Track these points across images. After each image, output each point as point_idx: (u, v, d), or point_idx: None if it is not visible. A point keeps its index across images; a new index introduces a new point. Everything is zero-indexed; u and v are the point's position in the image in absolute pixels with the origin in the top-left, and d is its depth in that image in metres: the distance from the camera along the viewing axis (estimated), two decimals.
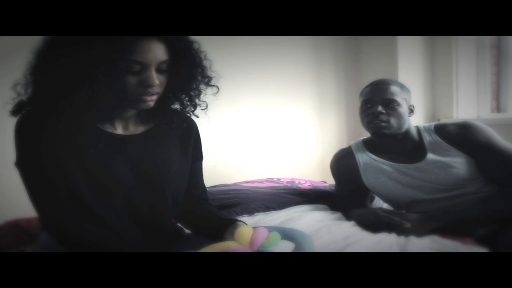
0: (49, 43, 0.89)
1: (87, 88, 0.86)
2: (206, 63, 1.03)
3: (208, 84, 1.04)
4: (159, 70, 0.93)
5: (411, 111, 1.47)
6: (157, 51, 0.91)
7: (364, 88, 1.50)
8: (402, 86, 1.47)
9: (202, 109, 1.09)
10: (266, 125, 2.43)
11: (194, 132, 1.14)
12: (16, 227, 1.45)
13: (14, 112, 0.93)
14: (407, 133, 1.44)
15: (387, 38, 2.44)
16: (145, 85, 0.91)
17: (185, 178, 1.11)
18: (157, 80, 0.92)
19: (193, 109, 1.08)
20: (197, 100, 1.07)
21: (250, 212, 1.56)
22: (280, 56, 2.44)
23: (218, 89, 1.07)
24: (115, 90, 0.88)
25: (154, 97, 0.95)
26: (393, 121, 1.40)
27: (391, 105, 1.40)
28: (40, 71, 0.89)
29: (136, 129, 1.04)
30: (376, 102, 1.42)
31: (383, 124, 1.40)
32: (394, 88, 1.42)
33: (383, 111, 1.40)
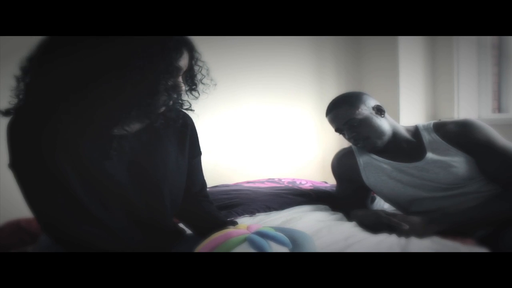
0: (48, 45, 0.89)
1: (95, 89, 0.86)
2: (200, 75, 1.03)
3: (194, 90, 1.05)
4: None
5: (379, 111, 1.45)
6: (186, 59, 0.94)
7: (326, 117, 1.51)
8: (348, 101, 1.43)
9: (185, 108, 1.09)
10: (267, 125, 2.43)
11: (190, 128, 1.13)
12: (18, 227, 1.45)
13: (5, 113, 0.92)
14: (395, 133, 1.44)
15: (388, 38, 2.45)
16: (177, 91, 0.94)
17: (183, 175, 1.10)
18: (183, 87, 0.95)
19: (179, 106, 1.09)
20: (179, 101, 1.07)
21: (251, 212, 1.56)
22: (281, 56, 2.44)
23: (199, 95, 1.06)
24: (150, 95, 0.89)
25: None
26: (372, 135, 1.41)
27: (355, 124, 1.41)
28: (39, 72, 0.88)
29: (131, 127, 1.03)
30: (343, 129, 1.45)
31: (367, 142, 1.42)
32: (342, 111, 1.42)
33: (354, 133, 1.41)
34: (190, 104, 1.08)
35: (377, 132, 1.40)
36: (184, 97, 1.06)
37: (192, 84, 1.03)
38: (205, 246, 0.86)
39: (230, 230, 0.88)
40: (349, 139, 1.46)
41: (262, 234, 0.86)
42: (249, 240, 0.83)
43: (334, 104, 1.47)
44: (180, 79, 0.95)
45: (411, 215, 1.32)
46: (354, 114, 1.40)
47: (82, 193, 0.92)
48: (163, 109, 0.96)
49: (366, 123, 1.40)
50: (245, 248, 0.83)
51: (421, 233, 1.22)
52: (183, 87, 0.95)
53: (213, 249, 0.84)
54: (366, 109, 1.42)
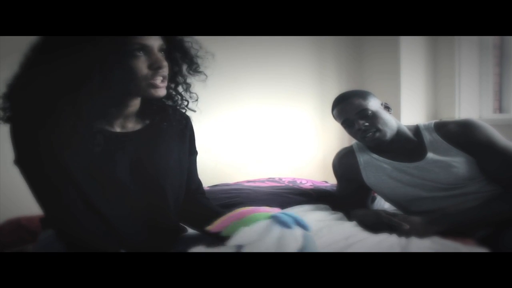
0: (43, 43, 0.89)
1: (88, 85, 0.86)
2: (193, 50, 1.03)
3: (196, 71, 1.04)
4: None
5: (387, 108, 1.46)
6: (155, 37, 0.93)
7: (332, 112, 1.50)
8: (359, 94, 1.45)
9: (193, 101, 1.09)
10: (268, 125, 2.43)
11: (189, 127, 1.14)
12: (18, 225, 1.45)
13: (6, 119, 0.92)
14: (399, 131, 1.43)
15: (390, 39, 2.44)
16: (155, 67, 0.92)
17: (184, 172, 1.11)
18: (164, 61, 0.93)
19: (186, 103, 1.09)
20: (188, 94, 1.07)
21: None
22: (282, 56, 2.44)
23: (206, 76, 1.06)
24: (126, 77, 0.89)
25: (165, 83, 0.96)
26: (381, 126, 1.39)
27: (367, 114, 1.40)
28: (36, 71, 0.88)
29: (134, 126, 1.03)
30: (353, 119, 1.42)
31: (377, 134, 1.39)
32: (356, 100, 1.42)
33: (366, 123, 1.39)
34: (197, 97, 1.08)
35: (388, 125, 1.40)
36: (191, 89, 1.07)
37: (190, 63, 1.03)
38: (227, 218, 0.86)
39: (256, 207, 0.89)
40: (357, 131, 1.42)
41: (286, 214, 0.86)
42: (274, 217, 0.84)
43: (344, 97, 1.47)
44: (157, 54, 0.93)
45: (412, 215, 1.32)
46: (367, 105, 1.40)
47: (86, 189, 0.93)
48: (160, 92, 0.96)
49: (377, 115, 1.40)
50: (268, 224, 0.82)
51: (421, 233, 1.22)
52: (163, 62, 0.93)
53: (236, 220, 0.84)
54: (376, 103, 1.43)
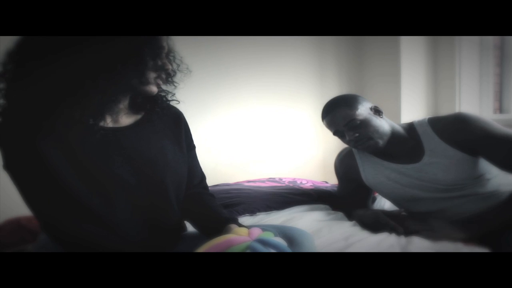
0: (29, 44, 0.89)
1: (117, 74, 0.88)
2: (175, 64, 1.06)
3: (169, 81, 1.07)
4: None
5: (377, 111, 1.41)
6: (164, 38, 0.99)
7: (322, 122, 1.47)
8: (345, 103, 1.39)
9: (171, 96, 1.12)
10: (268, 125, 2.43)
11: (183, 121, 1.15)
12: (18, 225, 1.45)
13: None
14: (394, 133, 1.40)
15: (390, 39, 2.44)
16: (164, 69, 0.98)
17: (183, 167, 1.10)
18: (170, 65, 0.99)
19: (165, 99, 1.11)
20: (163, 93, 1.10)
21: (252, 211, 1.56)
22: (282, 57, 2.44)
23: (175, 87, 1.10)
24: (142, 72, 0.94)
25: (160, 83, 1.02)
26: (372, 134, 1.35)
27: (356, 124, 1.35)
28: (29, 74, 0.88)
29: (125, 121, 1.03)
30: (343, 131, 1.38)
31: (369, 142, 1.37)
32: (342, 112, 1.37)
33: (357, 134, 1.36)
34: (174, 93, 1.12)
35: (379, 132, 1.36)
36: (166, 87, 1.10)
37: (168, 74, 1.05)
38: (206, 250, 0.85)
39: (231, 237, 0.86)
40: (349, 142, 1.40)
41: (263, 242, 0.84)
42: (251, 249, 0.82)
43: (331, 106, 1.42)
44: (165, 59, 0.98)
45: (435, 219, 1.30)
46: (354, 115, 1.35)
47: (81, 190, 0.91)
48: (154, 89, 0.99)
49: (367, 123, 1.36)
50: None
51: (453, 239, 1.18)
52: (170, 66, 0.99)
53: None
54: (364, 110, 1.38)
